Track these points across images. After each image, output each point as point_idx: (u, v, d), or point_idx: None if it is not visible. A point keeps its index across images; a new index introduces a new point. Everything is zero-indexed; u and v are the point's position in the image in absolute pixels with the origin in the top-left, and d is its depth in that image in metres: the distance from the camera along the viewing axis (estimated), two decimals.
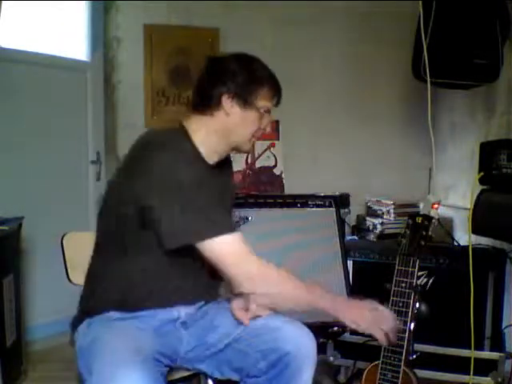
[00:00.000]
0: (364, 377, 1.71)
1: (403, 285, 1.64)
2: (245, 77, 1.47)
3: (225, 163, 1.63)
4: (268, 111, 1.53)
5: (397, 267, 1.66)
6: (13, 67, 2.70)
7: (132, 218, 1.38)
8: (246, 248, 1.39)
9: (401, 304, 1.63)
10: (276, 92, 1.53)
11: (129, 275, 1.44)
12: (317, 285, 1.41)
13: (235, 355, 1.46)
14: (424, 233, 1.67)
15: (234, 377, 1.49)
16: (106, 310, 1.42)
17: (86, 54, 3.07)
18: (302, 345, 1.41)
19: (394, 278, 1.65)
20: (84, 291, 1.52)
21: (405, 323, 1.63)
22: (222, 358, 1.47)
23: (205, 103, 1.49)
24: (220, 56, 1.60)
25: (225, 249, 1.36)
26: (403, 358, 1.61)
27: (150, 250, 1.41)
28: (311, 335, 1.44)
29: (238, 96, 1.47)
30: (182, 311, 1.48)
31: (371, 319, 1.42)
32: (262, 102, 1.50)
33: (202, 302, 1.54)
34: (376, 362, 1.66)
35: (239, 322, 1.45)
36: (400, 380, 1.62)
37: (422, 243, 1.66)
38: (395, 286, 1.64)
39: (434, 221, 1.71)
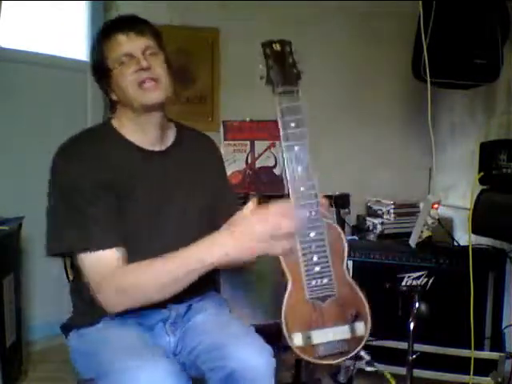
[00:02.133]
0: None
1: (292, 124, 1.35)
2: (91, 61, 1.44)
3: (193, 147, 1.55)
4: (124, 58, 1.37)
5: (279, 107, 1.34)
6: (13, 67, 2.69)
7: None
8: (108, 271, 1.27)
9: (297, 148, 1.35)
10: (111, 40, 1.38)
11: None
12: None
13: (197, 371, 1.41)
14: (291, 59, 1.38)
15: None
16: (100, 320, 1.39)
17: (86, 54, 3.07)
18: (249, 362, 1.30)
19: (281, 120, 1.34)
20: (76, 304, 1.50)
21: (302, 162, 1.34)
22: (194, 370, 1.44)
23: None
24: None
25: (91, 267, 1.29)
26: (318, 208, 1.32)
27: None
28: (263, 349, 1.34)
29: (99, 78, 1.44)
30: (173, 311, 1.46)
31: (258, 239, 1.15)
32: (109, 60, 1.38)
33: (193, 300, 1.51)
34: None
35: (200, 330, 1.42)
36: (327, 236, 1.34)
37: (295, 71, 1.37)
38: (284, 129, 1.33)
39: (292, 45, 1.40)
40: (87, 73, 3.04)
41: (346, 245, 1.39)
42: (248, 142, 2.98)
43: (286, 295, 1.36)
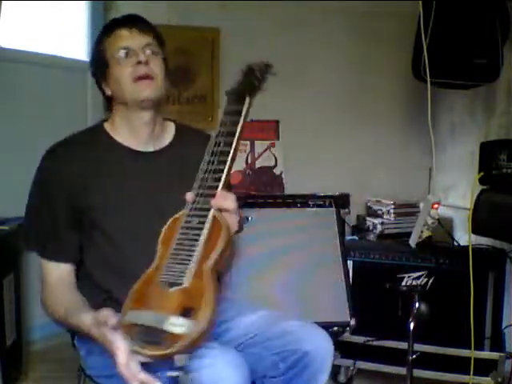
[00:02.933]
0: (164, 234, 1.28)
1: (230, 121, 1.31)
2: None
3: (188, 143, 1.52)
4: (123, 55, 1.38)
5: (225, 109, 1.33)
6: (13, 67, 2.69)
7: None
8: (50, 279, 1.39)
9: (221, 144, 1.28)
10: (114, 34, 1.39)
11: (129, 275, 1.42)
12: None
13: (249, 358, 1.39)
14: (260, 76, 1.31)
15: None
16: None
17: (86, 54, 3.07)
18: (320, 345, 1.39)
19: (221, 121, 1.32)
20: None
21: (223, 163, 1.26)
22: None
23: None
24: None
25: (43, 268, 1.41)
26: (209, 199, 1.25)
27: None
28: (328, 337, 1.43)
29: (97, 72, 1.45)
30: None
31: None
32: (108, 54, 1.40)
33: None
34: (181, 212, 1.28)
35: (250, 325, 1.43)
36: (209, 225, 1.23)
37: (257, 84, 1.31)
38: (221, 126, 1.30)
39: (273, 69, 1.33)
40: (87, 73, 3.05)
41: (224, 238, 1.23)
42: (248, 142, 2.99)
43: (146, 271, 1.23)
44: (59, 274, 1.40)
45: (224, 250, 1.20)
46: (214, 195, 1.24)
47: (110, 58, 1.41)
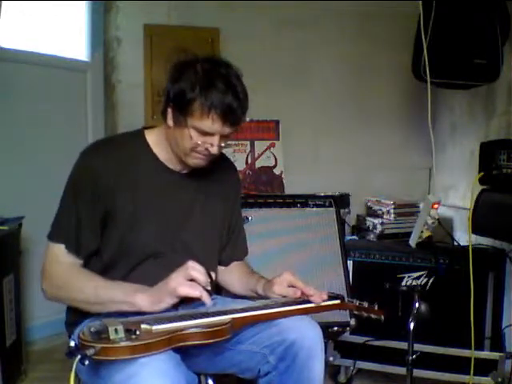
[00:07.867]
0: None
1: None
2: (183, 86, 1.36)
3: (212, 172, 1.56)
4: (204, 132, 1.37)
5: None
6: (13, 67, 2.69)
7: None
8: (58, 266, 1.42)
9: None
10: (208, 113, 1.33)
11: (131, 279, 1.43)
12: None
13: (241, 356, 1.44)
14: None
15: (247, 376, 1.48)
16: (109, 314, 1.38)
17: (85, 54, 3.07)
18: (306, 332, 1.39)
19: None
20: None
21: None
22: (228, 360, 1.46)
23: (161, 109, 1.46)
24: (188, 58, 1.47)
25: (49, 255, 1.43)
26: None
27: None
28: (314, 323, 1.43)
29: (175, 108, 1.39)
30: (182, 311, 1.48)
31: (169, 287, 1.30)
32: (193, 121, 1.36)
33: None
34: None
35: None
36: None
37: None
38: None
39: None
40: (87, 73, 3.08)
41: None
42: (248, 142, 2.99)
43: None
44: (77, 263, 1.43)
45: None
46: None
47: (190, 116, 1.36)
